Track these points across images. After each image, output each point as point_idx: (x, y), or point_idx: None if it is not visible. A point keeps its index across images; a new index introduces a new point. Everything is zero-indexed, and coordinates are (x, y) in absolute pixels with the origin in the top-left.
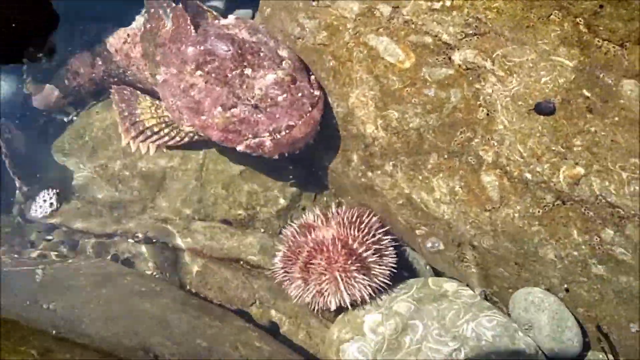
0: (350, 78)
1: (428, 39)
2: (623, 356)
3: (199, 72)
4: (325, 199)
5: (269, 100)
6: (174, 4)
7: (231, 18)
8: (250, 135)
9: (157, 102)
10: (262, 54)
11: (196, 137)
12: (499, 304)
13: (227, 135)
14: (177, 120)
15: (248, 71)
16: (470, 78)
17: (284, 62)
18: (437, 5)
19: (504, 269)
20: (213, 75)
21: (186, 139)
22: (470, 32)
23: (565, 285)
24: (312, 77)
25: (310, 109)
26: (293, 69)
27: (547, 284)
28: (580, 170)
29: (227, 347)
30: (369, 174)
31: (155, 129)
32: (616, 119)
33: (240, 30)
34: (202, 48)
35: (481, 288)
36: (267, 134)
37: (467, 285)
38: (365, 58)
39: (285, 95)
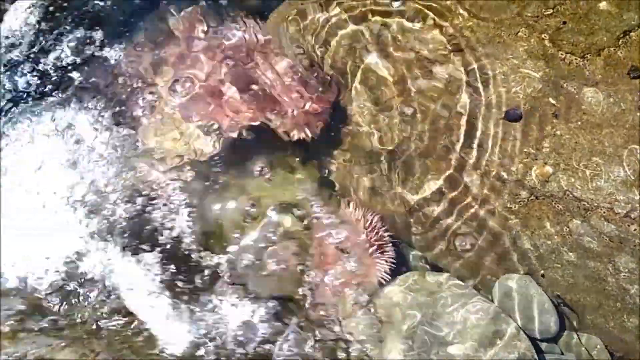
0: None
1: (412, 54)
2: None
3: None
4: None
5: (278, 82)
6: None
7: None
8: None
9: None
10: (270, 46)
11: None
12: (483, 291)
13: (254, 115)
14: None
15: (259, 59)
16: (450, 89)
17: (292, 53)
18: (419, 24)
19: (488, 259)
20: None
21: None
22: (449, 47)
23: (542, 272)
24: None
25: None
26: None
27: (525, 271)
28: (549, 169)
29: None
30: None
31: None
32: (579, 123)
33: (250, 27)
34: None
35: (469, 279)
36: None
37: (457, 277)
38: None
39: (291, 78)
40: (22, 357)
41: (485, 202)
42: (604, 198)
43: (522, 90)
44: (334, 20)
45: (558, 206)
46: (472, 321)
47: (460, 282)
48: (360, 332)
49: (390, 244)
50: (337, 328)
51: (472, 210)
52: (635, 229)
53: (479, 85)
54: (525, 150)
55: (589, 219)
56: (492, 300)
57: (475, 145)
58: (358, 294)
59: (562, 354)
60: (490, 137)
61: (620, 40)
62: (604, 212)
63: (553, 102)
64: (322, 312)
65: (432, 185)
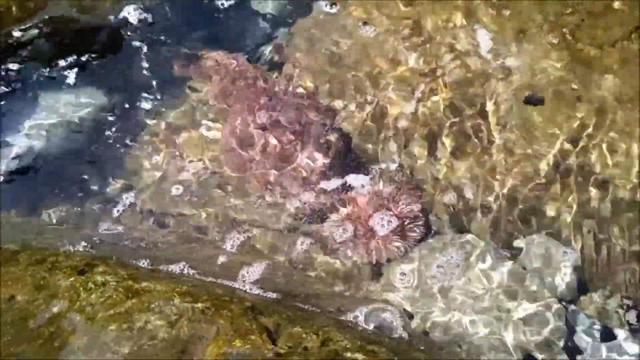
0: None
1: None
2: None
3: (260, 132)
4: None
5: (307, 174)
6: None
7: (300, 90)
8: (283, 195)
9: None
10: (313, 133)
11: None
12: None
13: (263, 187)
14: (225, 161)
15: (298, 145)
16: (478, 77)
17: (328, 146)
18: (450, 24)
19: (515, 223)
20: (272, 139)
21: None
22: (475, 43)
23: (571, 239)
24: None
25: (334, 188)
26: (336, 150)
27: (550, 235)
28: (569, 146)
29: None
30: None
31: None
32: (596, 105)
33: (302, 106)
34: (270, 114)
35: (493, 241)
36: (297, 199)
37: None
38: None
39: (321, 172)
40: None
41: (512, 173)
42: (620, 171)
43: (545, 78)
44: None
45: (578, 179)
46: (502, 277)
47: (485, 242)
48: None
49: (422, 216)
50: None
51: (498, 179)
52: None
53: (503, 75)
54: (548, 130)
55: (608, 190)
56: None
57: (501, 126)
58: None
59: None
60: (515, 118)
61: (633, 34)
62: (620, 183)
63: (575, 87)
64: None
65: (462, 164)
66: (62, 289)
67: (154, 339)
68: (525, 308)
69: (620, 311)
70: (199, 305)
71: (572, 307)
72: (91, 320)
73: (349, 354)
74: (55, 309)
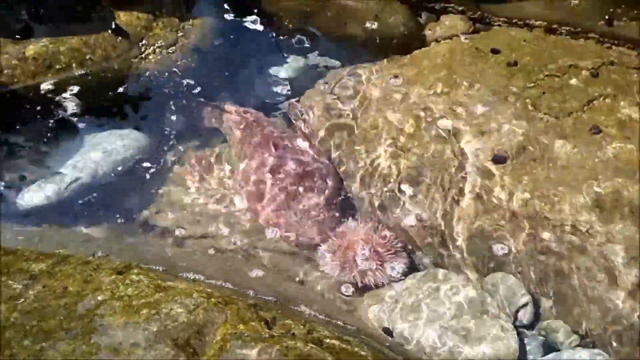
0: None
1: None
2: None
3: (269, 176)
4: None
5: (305, 213)
6: (267, 125)
7: (306, 144)
8: (283, 230)
9: (228, 173)
10: (314, 179)
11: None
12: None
13: (268, 223)
14: (236, 192)
15: (301, 189)
16: (455, 138)
17: (326, 190)
18: (431, 91)
19: (480, 260)
20: (279, 182)
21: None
22: (454, 108)
23: (520, 268)
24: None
25: (328, 228)
26: (330, 195)
27: (509, 269)
28: (527, 195)
29: None
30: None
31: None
32: (550, 164)
33: (307, 155)
34: (278, 162)
35: (464, 274)
36: (294, 234)
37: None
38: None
39: (316, 213)
40: None
41: (478, 218)
42: (568, 217)
43: (509, 141)
44: None
45: (532, 222)
46: (465, 301)
47: (457, 276)
48: None
49: (404, 251)
50: None
51: (467, 223)
52: (590, 238)
53: (476, 135)
54: (510, 181)
55: (556, 231)
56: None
57: (471, 178)
58: None
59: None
60: (483, 172)
61: (585, 107)
62: (568, 228)
63: (532, 149)
64: None
65: (440, 206)
66: (105, 284)
67: (176, 321)
68: (486, 328)
69: (574, 336)
70: (212, 299)
71: (528, 331)
72: (128, 306)
73: (327, 340)
74: (99, 298)
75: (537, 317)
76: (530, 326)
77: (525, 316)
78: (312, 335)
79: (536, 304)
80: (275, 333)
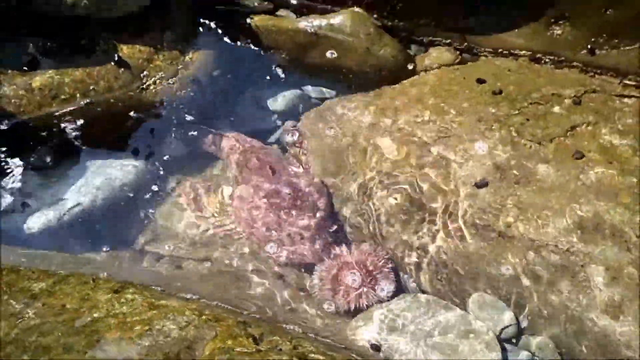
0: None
1: (415, 139)
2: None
3: (264, 200)
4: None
5: (298, 235)
6: (263, 152)
7: (300, 170)
8: (275, 250)
9: (225, 200)
10: (307, 203)
11: (236, 236)
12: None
13: (261, 244)
14: (235, 220)
15: (294, 212)
16: (442, 163)
17: (318, 213)
18: (419, 119)
19: (465, 282)
20: (273, 205)
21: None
22: (441, 135)
23: (506, 292)
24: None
25: (320, 248)
26: (323, 218)
27: (493, 291)
28: (511, 219)
29: None
30: (377, 225)
31: (214, 214)
32: (534, 187)
33: (301, 180)
34: (273, 187)
35: (449, 298)
36: (286, 252)
37: (441, 298)
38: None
39: (309, 235)
40: None
41: (465, 240)
42: (551, 238)
43: (493, 165)
44: None
45: (518, 244)
46: (451, 322)
47: (443, 301)
48: None
49: (392, 273)
50: None
51: (453, 246)
52: (573, 259)
53: (462, 161)
54: (494, 205)
55: (541, 253)
56: (466, 311)
57: (459, 202)
58: None
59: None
60: (469, 197)
61: (568, 133)
62: (552, 248)
63: (516, 173)
64: None
65: (426, 230)
66: (102, 302)
67: (168, 337)
68: (471, 346)
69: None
70: (204, 317)
71: (511, 346)
72: (122, 323)
73: (312, 355)
74: (95, 315)
75: (520, 333)
76: (515, 343)
77: (509, 334)
78: (298, 350)
79: (520, 322)
80: (262, 348)
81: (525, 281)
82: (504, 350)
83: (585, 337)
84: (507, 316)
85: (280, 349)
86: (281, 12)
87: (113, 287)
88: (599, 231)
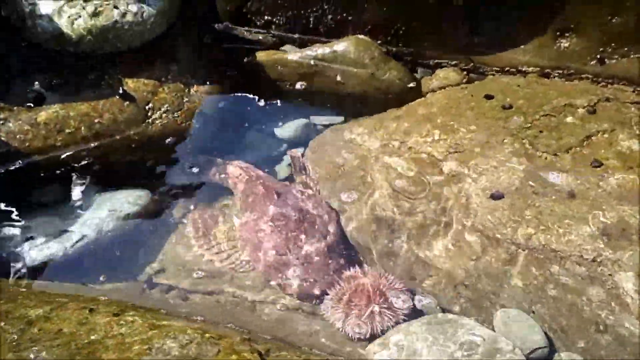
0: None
1: (425, 157)
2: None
3: (270, 223)
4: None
5: (307, 259)
6: (263, 179)
7: (307, 192)
8: (284, 277)
9: (232, 227)
10: (315, 226)
11: (245, 267)
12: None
13: (269, 270)
14: (241, 249)
15: (302, 236)
16: (456, 179)
17: (328, 237)
18: (429, 139)
19: (486, 298)
20: (279, 229)
21: (237, 263)
22: (452, 151)
23: (533, 307)
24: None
25: (331, 273)
26: (332, 241)
27: (519, 306)
28: (531, 230)
29: None
30: (390, 244)
31: (222, 247)
32: (553, 197)
33: (308, 202)
34: (279, 210)
35: (473, 315)
36: (297, 280)
37: (464, 315)
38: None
39: (319, 259)
40: None
41: (484, 255)
42: (575, 248)
43: (508, 178)
44: None
45: (540, 256)
46: (477, 342)
47: (467, 319)
48: None
49: (408, 292)
50: None
51: (473, 262)
52: (600, 269)
53: (475, 175)
54: (512, 218)
55: (565, 264)
56: (493, 330)
57: (472, 216)
58: None
59: None
60: (484, 209)
61: (584, 142)
62: (576, 259)
63: (532, 184)
64: None
65: (440, 246)
66: (100, 325)
67: (168, 355)
68: None
69: None
70: (207, 335)
71: None
72: (120, 343)
73: None
74: (93, 337)
75: (551, 351)
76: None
77: (538, 354)
78: None
79: (550, 338)
80: None
81: (552, 292)
82: None
83: (623, 349)
84: (537, 337)
85: None
86: (286, 47)
87: (113, 311)
88: (625, 236)
